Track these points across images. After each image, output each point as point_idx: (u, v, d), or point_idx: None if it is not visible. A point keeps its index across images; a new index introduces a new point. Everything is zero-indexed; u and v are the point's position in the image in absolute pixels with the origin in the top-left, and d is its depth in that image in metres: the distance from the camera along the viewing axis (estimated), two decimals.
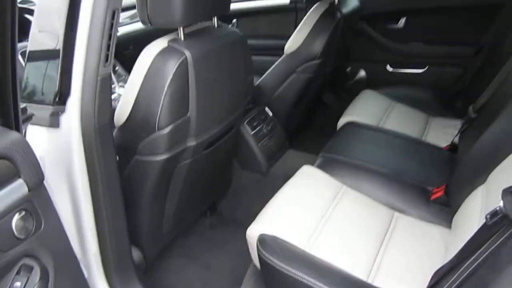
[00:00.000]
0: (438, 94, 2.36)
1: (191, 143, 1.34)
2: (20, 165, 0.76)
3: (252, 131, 1.94)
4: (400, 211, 1.49)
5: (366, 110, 2.14)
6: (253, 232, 1.32)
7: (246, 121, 1.94)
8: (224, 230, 1.92)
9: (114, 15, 1.01)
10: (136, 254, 1.45)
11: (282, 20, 2.69)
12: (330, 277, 1.15)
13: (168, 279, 1.66)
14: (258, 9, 2.77)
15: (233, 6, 2.77)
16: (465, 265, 0.85)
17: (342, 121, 2.05)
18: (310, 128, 2.60)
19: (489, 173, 1.24)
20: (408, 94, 2.35)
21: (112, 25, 1.02)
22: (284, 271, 1.18)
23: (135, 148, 1.27)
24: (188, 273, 1.70)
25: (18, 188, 0.76)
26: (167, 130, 1.23)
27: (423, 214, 1.49)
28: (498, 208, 0.79)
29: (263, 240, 1.28)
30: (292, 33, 2.06)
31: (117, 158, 1.24)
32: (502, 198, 0.79)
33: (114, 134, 1.27)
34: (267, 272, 1.27)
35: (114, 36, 1.04)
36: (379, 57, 2.59)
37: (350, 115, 2.08)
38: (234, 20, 2.87)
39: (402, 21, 2.50)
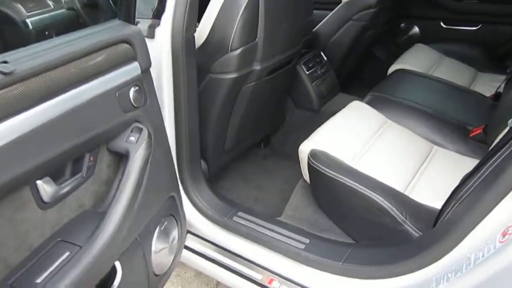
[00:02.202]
0: (489, 51, 2.43)
1: (257, 67, 1.54)
2: (137, 50, 0.99)
3: (308, 71, 2.12)
4: (440, 145, 1.64)
5: (417, 60, 2.26)
6: (306, 147, 1.52)
7: (302, 62, 2.11)
8: (276, 161, 2.13)
9: None
10: (202, 163, 1.69)
11: None
12: (369, 183, 1.34)
13: (226, 194, 1.91)
14: None
15: None
16: (488, 164, 1.01)
17: (392, 68, 2.18)
18: (361, 77, 2.73)
19: None
20: (459, 50, 2.43)
21: None
22: (331, 176, 1.38)
23: (209, 67, 1.49)
24: (242, 191, 1.93)
25: (135, 68, 1.00)
26: (238, 51, 1.44)
27: (461, 149, 1.63)
28: None
29: (314, 153, 1.48)
30: None
31: None
32: None
33: None
34: (315, 179, 1.48)
35: None
36: (432, 14, 2.65)
37: (401, 64, 2.21)
38: None
39: None
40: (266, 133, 2.13)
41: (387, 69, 2.27)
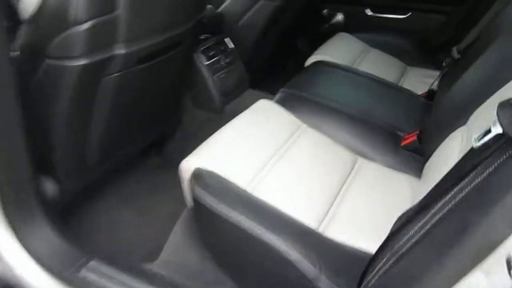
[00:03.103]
0: (419, 43, 2.15)
1: (120, 50, 1.09)
2: None
3: (208, 61, 1.69)
4: (365, 156, 1.29)
5: (339, 51, 1.92)
6: (188, 165, 1.10)
7: (201, 50, 1.69)
8: (168, 173, 1.69)
9: None
10: (49, 185, 1.21)
11: None
12: (269, 219, 0.94)
13: (95, 222, 1.43)
14: None
15: None
16: (440, 204, 0.65)
17: (310, 60, 1.82)
18: (277, 70, 2.35)
19: (470, 114, 1.05)
20: (387, 40, 2.13)
21: None
22: (218, 212, 0.97)
23: (44, 49, 1.01)
24: (120, 216, 1.47)
25: None
26: (85, 26, 0.97)
27: (390, 161, 1.29)
28: (490, 127, 0.59)
29: (198, 174, 1.06)
30: None
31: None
32: (497, 113, 0.58)
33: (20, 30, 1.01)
34: (199, 210, 1.06)
35: None
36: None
37: (321, 55, 1.85)
38: None
39: None
40: (156, 138, 1.68)
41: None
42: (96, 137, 1.25)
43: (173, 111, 1.66)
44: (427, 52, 2.15)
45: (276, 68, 2.35)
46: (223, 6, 1.85)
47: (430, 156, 1.14)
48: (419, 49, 2.13)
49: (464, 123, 1.06)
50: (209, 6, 1.74)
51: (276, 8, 1.81)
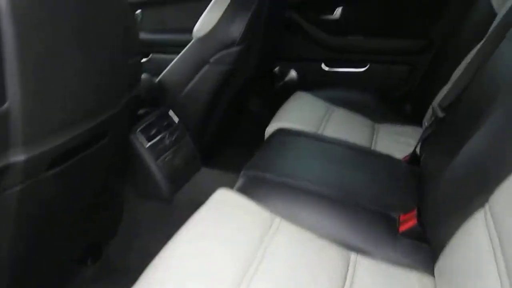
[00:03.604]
0: (383, 96, 1.98)
1: (17, 157, 0.77)
2: None
3: (149, 142, 1.40)
4: (358, 251, 1.02)
5: (300, 114, 1.69)
6: None
7: (139, 129, 1.39)
8: (111, 284, 1.34)
9: None
10: None
11: (197, 9, 2.19)
12: None
13: None
14: None
15: None
16: None
17: (271, 129, 1.57)
18: (231, 141, 2.09)
19: (490, 192, 0.81)
20: (349, 96, 1.94)
21: None
22: None
23: None
24: None
25: None
26: None
27: (390, 254, 1.03)
28: None
29: None
30: None
31: None
32: None
33: None
34: None
35: None
36: (312, 54, 2.16)
37: (281, 121, 1.61)
38: (139, 11, 2.32)
39: (338, 11, 2.10)
40: (92, 243, 1.33)
41: (265, 125, 1.65)
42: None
43: (111, 207, 1.33)
44: (392, 105, 1.99)
45: (230, 137, 2.09)
46: (162, 74, 1.58)
47: (442, 246, 0.89)
48: (383, 103, 1.95)
49: (484, 202, 0.82)
50: (144, 76, 1.47)
51: (225, 72, 1.56)
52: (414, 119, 1.76)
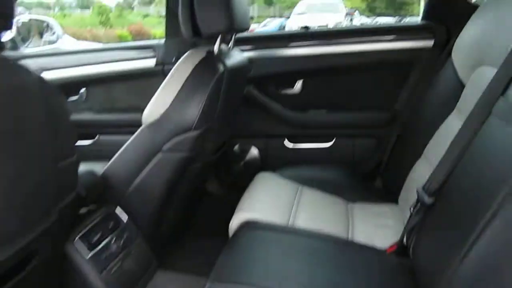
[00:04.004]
0: (352, 172, 1.86)
1: None
2: None
3: (91, 251, 1.16)
4: None
5: (268, 201, 1.52)
6: None
7: (79, 236, 1.16)
8: None
9: None
10: None
11: (146, 88, 2.05)
12: None
13: None
14: (115, 74, 2.09)
15: (81, 71, 2.13)
16: None
17: (236, 221, 1.38)
18: (190, 234, 1.86)
19: None
20: (316, 174, 1.80)
21: None
22: None
23: None
24: None
25: None
26: None
27: None
28: None
29: None
30: None
31: None
32: None
33: None
34: None
35: None
36: (274, 130, 2.04)
37: (247, 211, 1.42)
38: (83, 90, 2.15)
39: (299, 85, 2.01)
40: None
41: (226, 210, 1.47)
42: None
43: None
44: (363, 181, 1.87)
45: (188, 229, 1.87)
46: (108, 166, 1.38)
47: None
48: (353, 180, 1.83)
49: None
50: (86, 170, 1.27)
51: (181, 161, 1.39)
52: (387, 196, 1.65)
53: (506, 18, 1.23)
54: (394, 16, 23.93)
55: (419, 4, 25.34)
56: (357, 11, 18.23)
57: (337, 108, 1.98)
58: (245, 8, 1.52)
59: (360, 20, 17.96)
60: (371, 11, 26.21)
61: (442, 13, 1.79)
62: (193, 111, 1.34)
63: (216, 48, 1.43)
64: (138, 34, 17.46)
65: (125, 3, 28.19)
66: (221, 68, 1.38)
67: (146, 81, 2.06)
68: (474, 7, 1.55)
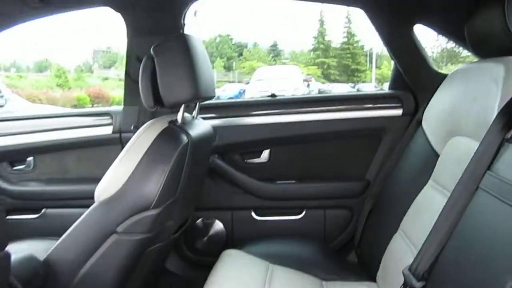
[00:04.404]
0: (324, 246, 1.75)
1: None
2: None
3: None
4: None
5: (236, 283, 1.38)
6: None
7: None
8: None
9: None
10: None
11: (101, 157, 1.91)
12: None
13: None
14: (67, 142, 1.94)
15: (29, 139, 1.97)
16: None
17: None
18: None
19: None
20: (286, 250, 1.68)
21: None
22: None
23: None
24: None
25: None
26: None
27: None
28: None
29: None
30: None
31: None
32: None
33: None
34: None
35: None
36: (240, 202, 1.92)
37: None
38: (30, 159, 1.98)
39: (266, 154, 1.93)
40: None
41: None
42: None
43: None
44: (336, 256, 1.76)
45: None
46: (51, 250, 1.21)
47: None
48: (326, 255, 1.71)
49: None
50: (24, 255, 1.10)
51: (138, 243, 1.23)
52: (363, 272, 1.56)
53: (474, 88, 1.23)
54: (348, 83, 25.32)
55: (370, 71, 27.01)
56: (313, 78, 19.08)
57: (307, 178, 1.91)
58: (211, 75, 1.45)
59: (317, 86, 18.77)
60: (326, 77, 27.61)
61: (410, 82, 1.80)
62: (152, 187, 1.21)
63: (179, 117, 1.34)
64: (97, 97, 17.35)
65: (84, 66, 28.30)
66: (184, 139, 1.28)
67: (102, 149, 1.93)
68: (441, 77, 1.56)
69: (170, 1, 1.78)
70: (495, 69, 1.13)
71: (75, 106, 16.32)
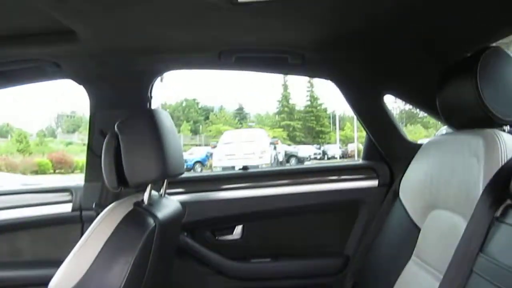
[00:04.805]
0: None
1: None
2: None
3: None
4: None
5: None
6: None
7: None
8: None
9: None
10: None
11: (60, 237, 1.76)
12: None
13: None
14: (20, 221, 1.77)
15: None
16: None
17: None
18: None
19: None
20: None
21: None
22: None
23: None
24: None
25: None
26: None
27: None
28: None
29: None
30: None
31: None
32: None
33: None
34: None
35: None
36: (211, 284, 1.79)
37: None
38: None
39: (238, 230, 1.83)
40: None
41: None
42: None
43: None
44: None
45: None
46: None
47: None
48: None
49: None
50: None
51: None
52: None
53: (452, 161, 1.20)
54: (313, 144, 25.80)
55: (334, 132, 27.72)
56: (279, 140, 19.33)
57: (282, 255, 1.80)
58: (180, 152, 1.38)
59: (283, 148, 18.96)
60: (292, 139, 28.08)
61: (383, 152, 1.78)
62: (115, 278, 1.08)
63: (145, 197, 1.24)
64: (60, 162, 16.89)
65: (47, 130, 27.76)
66: (151, 222, 1.17)
67: (60, 229, 1.77)
68: (414, 147, 1.55)
69: (137, 73, 1.73)
70: (474, 142, 1.11)
71: (36, 172, 15.77)
